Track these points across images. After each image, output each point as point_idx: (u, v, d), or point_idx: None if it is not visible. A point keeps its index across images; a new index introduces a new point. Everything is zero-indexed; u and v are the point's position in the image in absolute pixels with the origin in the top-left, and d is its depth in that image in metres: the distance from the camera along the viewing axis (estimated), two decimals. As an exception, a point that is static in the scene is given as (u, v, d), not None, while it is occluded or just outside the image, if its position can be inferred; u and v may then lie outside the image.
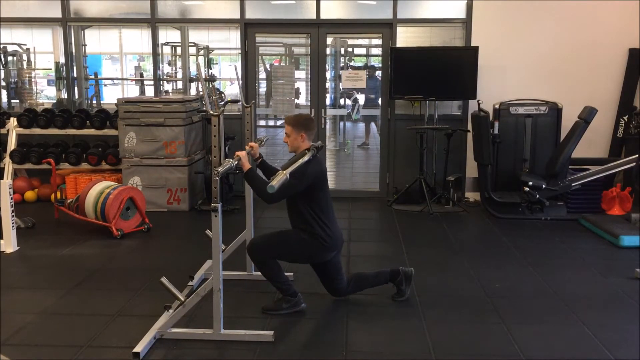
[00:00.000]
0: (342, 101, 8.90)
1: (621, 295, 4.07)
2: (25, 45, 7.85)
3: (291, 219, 3.76)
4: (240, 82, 6.45)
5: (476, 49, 6.51)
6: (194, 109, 6.76)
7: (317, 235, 3.62)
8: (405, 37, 6.92)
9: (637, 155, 5.91)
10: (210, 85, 8.61)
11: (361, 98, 10.42)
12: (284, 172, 3.21)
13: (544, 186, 5.99)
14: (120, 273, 4.50)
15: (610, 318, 3.70)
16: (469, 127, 6.61)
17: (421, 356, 3.20)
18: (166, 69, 8.47)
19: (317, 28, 6.97)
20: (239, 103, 7.07)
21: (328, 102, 7.37)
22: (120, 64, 13.12)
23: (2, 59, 7.45)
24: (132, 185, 6.32)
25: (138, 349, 3.16)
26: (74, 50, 7.32)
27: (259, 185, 3.51)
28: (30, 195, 6.82)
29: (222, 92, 9.31)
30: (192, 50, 8.64)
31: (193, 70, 8.66)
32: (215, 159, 3.42)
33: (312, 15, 6.90)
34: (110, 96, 9.71)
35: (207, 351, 3.26)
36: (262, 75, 8.96)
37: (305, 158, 3.47)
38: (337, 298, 3.93)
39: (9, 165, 6.68)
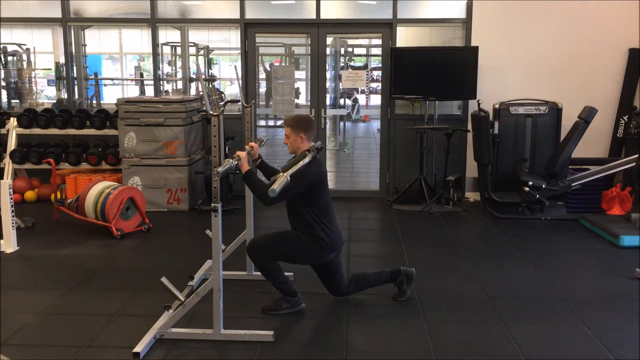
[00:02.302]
0: (342, 101, 8.91)
1: (621, 295, 4.07)
2: (25, 45, 7.86)
3: (291, 220, 3.76)
4: (240, 82, 6.45)
5: (476, 49, 6.51)
6: (194, 109, 6.76)
7: (318, 237, 3.62)
8: (405, 37, 6.92)
9: (637, 155, 5.91)
10: (210, 85, 8.61)
11: (361, 98, 10.41)
12: (285, 174, 3.21)
13: (544, 186, 5.99)
14: (120, 273, 4.50)
15: (610, 318, 3.70)
16: (469, 127, 6.61)
17: (421, 356, 3.20)
18: (166, 69, 8.48)
19: (317, 28, 6.96)
20: (239, 103, 7.07)
21: (328, 102, 7.37)
22: (120, 64, 13.14)
23: (2, 59, 7.45)
24: (132, 185, 6.32)
25: (138, 349, 3.16)
26: (74, 50, 7.32)
27: (257, 187, 3.51)
28: (30, 195, 6.82)
29: (222, 92, 9.32)
30: (192, 50, 8.65)
31: (193, 70, 8.67)
32: (215, 159, 3.42)
33: (312, 15, 6.90)
34: (110, 96, 9.72)
35: (207, 351, 3.26)
36: (262, 75, 8.97)
37: (306, 160, 3.46)
38: (338, 298, 3.93)
39: (9, 165, 6.68)
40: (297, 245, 3.67)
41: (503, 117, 6.39)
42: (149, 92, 8.70)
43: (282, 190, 3.19)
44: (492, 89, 6.63)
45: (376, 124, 8.52)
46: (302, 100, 9.08)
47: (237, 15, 6.92)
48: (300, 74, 9.69)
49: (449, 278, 4.42)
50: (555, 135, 6.40)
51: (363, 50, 11.85)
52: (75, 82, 7.39)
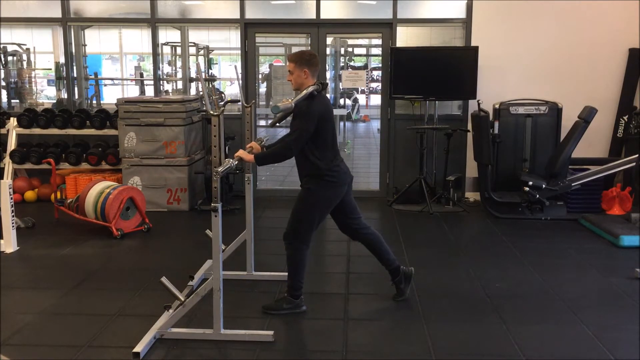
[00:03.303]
0: (342, 101, 8.91)
1: (621, 295, 4.07)
2: (25, 45, 7.85)
3: (298, 166, 3.68)
4: (240, 82, 6.44)
5: (476, 49, 6.51)
6: (194, 109, 6.76)
7: (326, 177, 3.57)
8: (405, 37, 6.92)
9: (637, 155, 5.91)
10: (210, 85, 8.61)
11: (361, 98, 10.41)
12: (290, 100, 3.22)
13: (544, 186, 5.99)
14: (120, 273, 4.50)
15: (610, 318, 3.70)
16: (469, 127, 6.61)
17: (421, 356, 3.20)
18: (166, 69, 8.47)
19: (317, 28, 6.96)
20: (239, 103, 7.07)
21: (328, 102, 7.36)
22: (120, 64, 13.13)
23: (2, 59, 7.45)
24: (132, 185, 6.32)
25: (138, 349, 3.17)
26: (74, 50, 7.32)
27: (274, 153, 3.56)
28: (30, 195, 6.82)
29: (222, 92, 9.32)
30: (192, 50, 8.64)
31: (193, 70, 8.67)
32: (215, 159, 3.42)
33: (312, 15, 6.90)
34: (110, 96, 9.71)
35: (207, 351, 3.26)
36: (261, 76, 8.98)
37: (310, 89, 3.47)
38: (337, 298, 3.92)
39: (9, 165, 6.68)
40: (312, 201, 3.62)
41: (503, 117, 6.39)
42: (149, 92, 8.70)
43: (298, 135, 3.32)
44: (492, 89, 6.63)
45: (376, 124, 8.52)
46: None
47: (237, 15, 6.92)
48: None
49: (449, 278, 4.42)
50: (555, 135, 6.40)
51: (363, 50, 11.85)
52: (75, 82, 7.39)
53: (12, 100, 7.70)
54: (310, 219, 3.65)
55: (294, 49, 10.23)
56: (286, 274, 3.78)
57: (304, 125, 3.43)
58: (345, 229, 3.87)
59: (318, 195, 3.62)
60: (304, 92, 3.46)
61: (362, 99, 11.89)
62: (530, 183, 5.97)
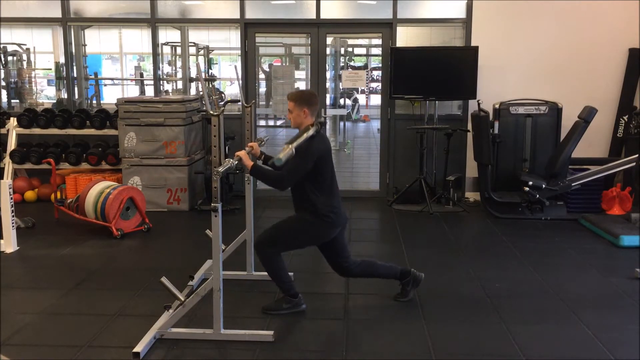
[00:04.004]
0: (342, 101, 8.91)
1: (621, 295, 4.07)
2: (25, 45, 7.85)
3: (295, 202, 3.70)
4: (240, 82, 6.45)
5: (476, 49, 6.51)
6: (194, 109, 6.76)
7: (322, 214, 3.58)
8: (405, 37, 6.92)
9: (637, 155, 5.91)
10: (210, 85, 8.61)
11: (361, 98, 10.39)
12: (290, 146, 3.21)
13: (544, 186, 5.99)
14: (120, 273, 4.50)
15: (610, 318, 3.70)
16: (469, 127, 6.61)
17: (421, 356, 3.20)
18: (166, 69, 8.47)
19: (317, 28, 6.96)
20: (239, 103, 7.07)
21: (328, 102, 7.37)
22: (120, 64, 13.13)
23: (2, 59, 7.45)
24: (132, 185, 6.32)
25: (138, 349, 3.17)
26: (74, 50, 7.32)
27: (268, 175, 3.53)
28: (30, 195, 6.82)
29: (222, 92, 9.32)
30: (192, 50, 8.65)
31: (193, 70, 8.67)
32: (215, 159, 3.43)
33: (312, 15, 6.90)
34: (110, 96, 9.71)
35: (207, 351, 3.26)
36: (262, 75, 8.97)
37: (310, 132, 3.46)
38: (338, 298, 3.92)
39: (9, 165, 6.68)
40: (303, 228, 3.64)
41: (503, 117, 6.39)
42: (149, 92, 8.70)
43: (293, 171, 3.27)
44: (492, 89, 6.63)
45: (376, 124, 8.51)
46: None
47: (237, 15, 6.93)
48: (300, 74, 9.68)
49: (449, 278, 4.42)
50: (555, 135, 6.40)
51: (363, 50, 11.84)
52: (75, 82, 7.39)
53: (12, 100, 7.71)
54: (290, 241, 3.71)
55: (294, 49, 10.24)
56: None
57: (300, 163, 3.40)
58: (335, 267, 3.87)
59: (309, 227, 3.64)
60: (304, 135, 3.42)
61: (362, 99, 11.87)
62: (530, 183, 5.97)
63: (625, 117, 6.62)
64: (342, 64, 8.65)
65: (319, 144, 3.53)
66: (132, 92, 11.32)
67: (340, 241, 3.77)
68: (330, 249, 3.79)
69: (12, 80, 7.68)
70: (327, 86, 7.38)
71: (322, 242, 3.75)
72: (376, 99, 8.36)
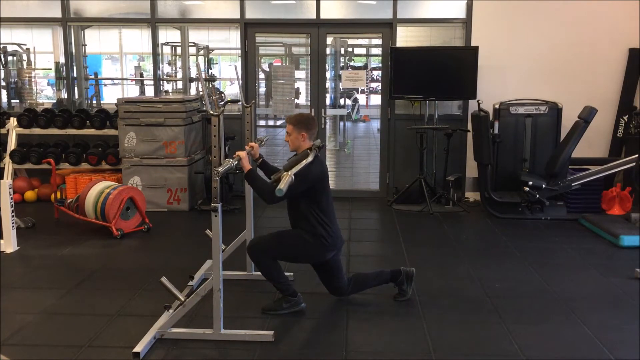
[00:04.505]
0: (342, 101, 8.91)
1: (621, 295, 4.07)
2: (25, 45, 7.85)
3: (292, 219, 3.75)
4: (240, 82, 6.45)
5: (476, 49, 6.51)
6: (194, 109, 6.76)
7: (319, 235, 3.62)
8: (405, 37, 6.92)
9: (637, 155, 5.91)
10: (210, 85, 8.61)
11: (361, 98, 10.40)
12: (288, 173, 3.21)
13: (544, 186, 5.99)
14: (120, 273, 4.50)
15: (610, 318, 3.70)
16: (469, 127, 6.61)
17: (421, 356, 3.20)
18: (166, 69, 8.48)
19: (317, 28, 6.96)
20: (239, 103, 7.08)
21: (328, 102, 7.37)
22: (120, 64, 13.13)
23: (2, 59, 7.45)
24: (132, 185, 6.32)
25: (138, 349, 3.17)
26: (74, 50, 7.32)
27: (260, 186, 3.53)
28: (30, 195, 6.82)
29: (222, 92, 9.32)
30: (192, 50, 8.65)
31: (193, 70, 8.67)
32: (215, 159, 3.42)
33: (312, 15, 6.90)
34: (110, 96, 9.72)
35: (207, 351, 3.26)
36: (262, 75, 8.98)
37: (309, 159, 3.46)
38: (338, 298, 3.93)
39: (9, 165, 6.68)
40: (298, 245, 3.67)
41: (503, 117, 6.39)
42: (149, 92, 8.70)
43: (285, 191, 3.21)
44: (492, 89, 6.63)
45: (376, 124, 8.51)
46: (302, 100, 9.07)
47: (237, 15, 6.92)
48: (300, 74, 9.68)
49: (448, 278, 4.42)
50: (555, 135, 6.40)
51: (363, 50, 11.84)
52: (75, 82, 7.39)
53: (12, 100, 7.71)
54: (284, 252, 3.73)
55: (294, 49, 10.24)
56: (286, 274, 3.81)
57: (295, 184, 3.35)
58: (329, 288, 3.88)
59: (305, 244, 3.65)
60: (304, 162, 3.41)
61: (362, 99, 11.87)
62: (530, 183, 5.97)
63: (625, 117, 6.62)
64: (342, 64, 8.66)
65: (317, 168, 3.57)
66: (132, 92, 11.32)
67: (336, 263, 3.80)
68: (325, 271, 3.82)
69: (12, 80, 7.67)
70: (327, 86, 7.38)
71: (316, 262, 3.79)
72: (376, 99, 8.36)
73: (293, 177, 3.21)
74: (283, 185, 3.14)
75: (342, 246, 3.86)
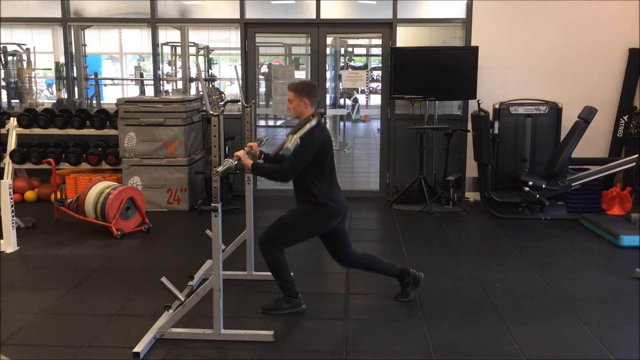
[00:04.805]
0: (342, 101, 8.91)
1: (621, 295, 4.07)
2: (25, 45, 7.86)
3: (296, 192, 3.70)
4: (240, 82, 6.45)
5: (476, 49, 6.51)
6: (194, 109, 6.76)
7: (323, 204, 3.58)
8: (405, 37, 6.92)
9: (637, 155, 5.91)
10: (210, 85, 8.61)
11: (361, 98, 10.40)
12: (295, 136, 3.22)
13: (544, 186, 5.99)
14: (120, 273, 4.50)
15: (610, 318, 3.70)
16: (469, 127, 6.61)
17: (421, 356, 3.20)
18: (166, 69, 8.48)
19: (317, 28, 6.96)
20: (239, 103, 7.08)
21: (328, 102, 7.37)
22: (120, 64, 13.14)
23: (2, 59, 7.45)
24: (132, 185, 6.32)
25: (138, 349, 3.17)
26: (74, 50, 7.32)
27: (269, 170, 3.57)
28: (30, 195, 6.82)
29: (222, 92, 9.33)
30: (192, 50, 8.65)
31: (193, 70, 8.67)
32: (215, 159, 3.43)
33: (312, 15, 6.90)
34: (110, 96, 9.72)
35: (207, 351, 3.26)
36: (262, 75, 8.98)
37: (313, 123, 3.47)
38: (337, 298, 3.92)
39: (9, 165, 6.67)
40: (305, 220, 3.64)
41: (503, 117, 6.39)
42: (149, 92, 8.70)
43: (295, 163, 3.31)
44: (492, 89, 6.63)
45: (376, 124, 8.52)
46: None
47: (237, 15, 6.92)
48: (300, 74, 9.69)
49: (449, 278, 4.42)
50: (555, 135, 6.40)
51: (363, 50, 11.85)
52: (75, 82, 7.39)
53: (12, 100, 7.71)
54: (293, 235, 3.71)
55: (294, 49, 10.24)
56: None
57: (302, 155, 3.41)
58: (336, 257, 3.87)
59: (311, 218, 3.64)
60: (307, 125, 3.44)
61: (362, 99, 11.89)
62: (530, 183, 5.97)
63: (625, 117, 6.62)
64: (342, 64, 8.66)
65: (320, 134, 3.55)
66: (132, 92, 11.33)
67: (342, 231, 3.77)
68: (331, 239, 3.78)
69: (12, 80, 7.68)
70: (327, 86, 7.38)
71: (324, 231, 3.74)
72: (376, 99, 8.38)
73: (299, 140, 3.21)
74: (290, 144, 3.16)
75: (347, 212, 3.80)
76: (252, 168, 3.50)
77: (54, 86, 10.36)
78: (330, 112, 7.52)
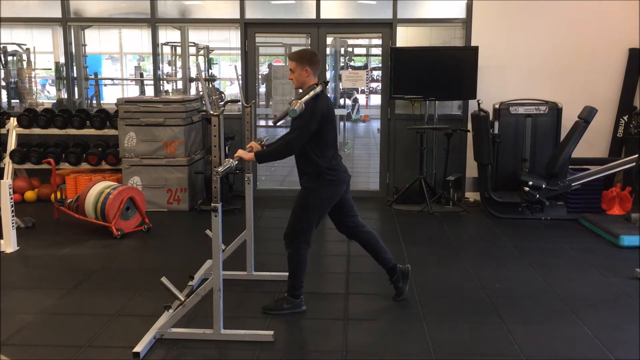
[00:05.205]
0: (342, 101, 8.91)
1: (621, 295, 4.07)
2: (25, 45, 7.86)
3: (298, 166, 3.69)
4: (240, 82, 6.45)
5: (476, 49, 6.51)
6: (194, 109, 6.76)
7: (326, 175, 3.58)
8: (405, 37, 6.92)
9: (637, 155, 5.91)
10: (210, 85, 8.61)
11: (361, 98, 10.40)
12: (300, 101, 3.24)
13: (544, 186, 5.99)
14: (120, 273, 4.50)
15: (610, 318, 3.70)
16: (469, 127, 6.61)
17: (421, 356, 3.20)
18: (166, 69, 8.48)
19: (317, 28, 6.96)
20: (239, 103, 7.07)
21: (328, 102, 7.36)
22: (120, 64, 13.14)
23: (2, 59, 7.45)
24: (132, 185, 6.32)
25: (138, 349, 3.17)
26: (74, 50, 7.32)
27: (274, 150, 3.61)
28: (30, 195, 6.82)
29: (222, 92, 9.33)
30: (192, 50, 8.65)
31: (193, 70, 8.67)
32: (215, 159, 3.42)
33: (312, 15, 6.90)
34: (110, 96, 9.72)
35: (207, 351, 3.26)
36: (262, 75, 8.99)
37: (317, 89, 3.48)
38: (337, 298, 3.92)
39: (9, 165, 6.67)
40: (312, 199, 3.62)
41: (503, 117, 6.39)
42: (149, 92, 8.70)
43: (300, 133, 3.35)
44: (492, 89, 6.63)
45: (376, 124, 8.52)
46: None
47: (237, 15, 6.92)
48: (300, 74, 9.69)
49: (448, 278, 4.42)
50: (555, 135, 6.40)
51: (363, 50, 11.86)
52: (75, 82, 7.39)
53: (12, 100, 7.71)
54: (309, 217, 3.65)
55: (294, 49, 10.25)
56: (286, 274, 3.78)
57: (306, 124, 3.43)
58: (341, 228, 3.88)
59: (318, 194, 3.63)
60: (312, 92, 3.45)
61: (362, 99, 11.89)
62: (530, 183, 5.97)
63: (625, 117, 6.62)
64: (342, 64, 8.66)
65: (323, 104, 3.54)
66: (132, 92, 11.33)
67: (347, 200, 3.78)
68: (337, 210, 3.77)
69: (12, 80, 7.68)
70: (327, 86, 7.38)
71: (335, 201, 3.70)
72: (376, 99, 8.38)
73: (303, 105, 3.22)
74: (296, 107, 3.21)
75: (350, 180, 3.79)
76: (257, 157, 3.51)
77: (47, 85, 10.38)
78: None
